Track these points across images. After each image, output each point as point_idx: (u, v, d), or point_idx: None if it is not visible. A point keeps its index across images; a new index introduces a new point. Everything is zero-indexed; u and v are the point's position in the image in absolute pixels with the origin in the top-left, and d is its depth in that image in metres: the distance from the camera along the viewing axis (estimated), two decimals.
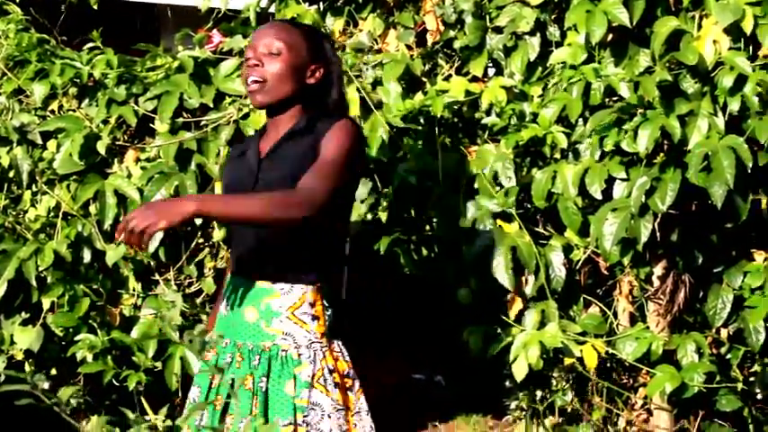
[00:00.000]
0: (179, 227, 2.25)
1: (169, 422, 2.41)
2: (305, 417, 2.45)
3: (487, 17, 3.54)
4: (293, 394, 2.46)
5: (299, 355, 2.49)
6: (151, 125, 3.70)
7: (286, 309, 2.51)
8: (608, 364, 3.46)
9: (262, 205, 2.33)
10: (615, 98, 3.30)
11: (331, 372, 2.51)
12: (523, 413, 3.65)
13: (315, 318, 2.53)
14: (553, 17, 3.47)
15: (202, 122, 3.65)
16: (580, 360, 3.28)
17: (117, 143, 3.70)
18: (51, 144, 3.73)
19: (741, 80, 3.06)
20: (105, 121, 3.67)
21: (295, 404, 2.46)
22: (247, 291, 2.54)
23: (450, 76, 3.62)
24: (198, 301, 3.75)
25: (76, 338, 3.58)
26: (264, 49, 2.56)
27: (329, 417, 2.47)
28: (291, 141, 2.56)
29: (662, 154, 3.20)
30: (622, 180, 3.25)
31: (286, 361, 2.49)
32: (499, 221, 3.39)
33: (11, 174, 3.76)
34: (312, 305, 2.52)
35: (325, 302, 2.55)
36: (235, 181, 2.60)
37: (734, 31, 3.11)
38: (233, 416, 2.50)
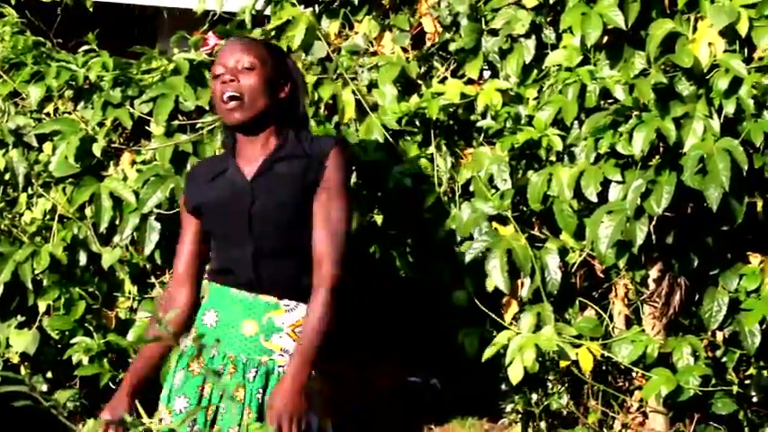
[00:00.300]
0: None
1: (164, 426, 2.40)
2: None
3: (483, 20, 3.54)
4: None
5: None
6: (147, 128, 3.69)
7: (288, 325, 2.51)
8: (603, 367, 3.45)
9: (326, 322, 2.45)
10: (610, 101, 3.30)
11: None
12: (519, 416, 3.64)
13: None
14: (548, 20, 3.46)
15: (198, 125, 3.65)
16: (576, 363, 3.28)
17: (112, 146, 3.69)
18: (47, 147, 3.73)
19: (736, 83, 3.06)
20: (101, 124, 3.66)
21: None
22: (247, 304, 2.52)
23: (445, 78, 3.62)
24: None
25: (72, 341, 3.57)
26: (237, 64, 2.52)
27: None
28: (284, 161, 2.53)
29: (657, 156, 3.20)
30: (618, 183, 3.24)
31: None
32: (495, 224, 3.39)
33: (6, 176, 3.75)
34: None
35: None
36: (228, 202, 2.55)
37: (729, 33, 3.11)
38: (219, 426, 2.49)
